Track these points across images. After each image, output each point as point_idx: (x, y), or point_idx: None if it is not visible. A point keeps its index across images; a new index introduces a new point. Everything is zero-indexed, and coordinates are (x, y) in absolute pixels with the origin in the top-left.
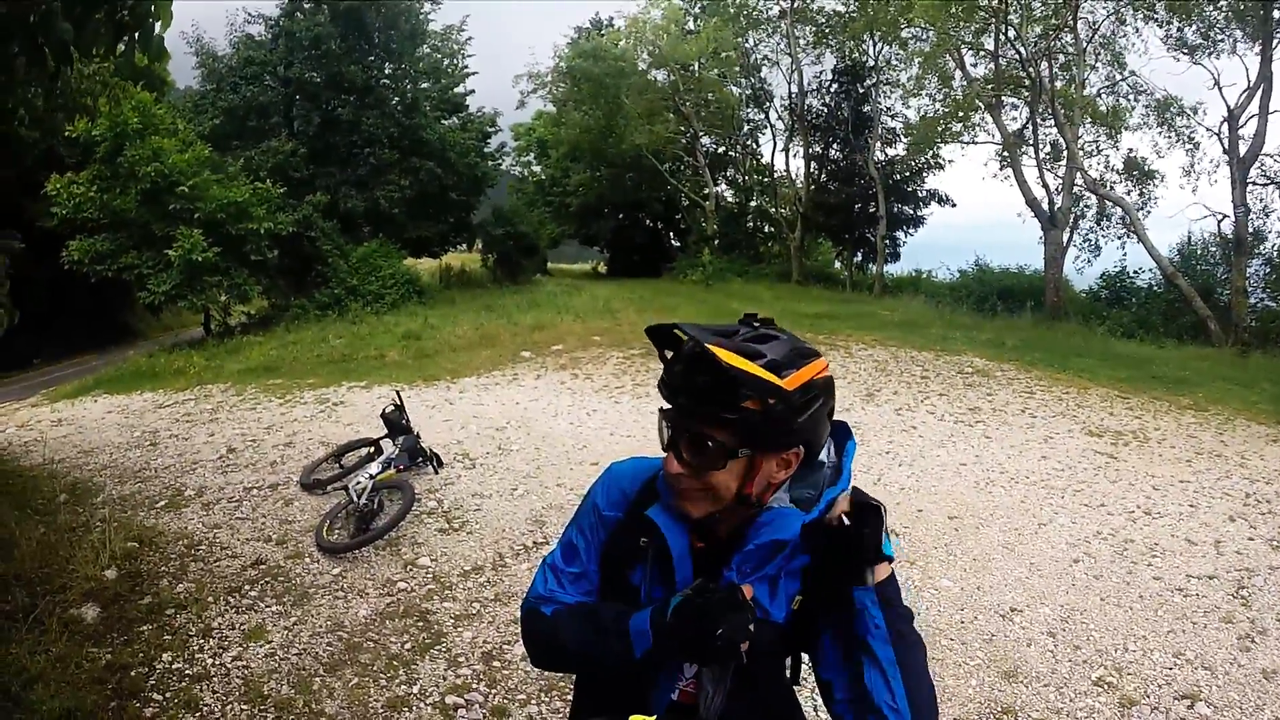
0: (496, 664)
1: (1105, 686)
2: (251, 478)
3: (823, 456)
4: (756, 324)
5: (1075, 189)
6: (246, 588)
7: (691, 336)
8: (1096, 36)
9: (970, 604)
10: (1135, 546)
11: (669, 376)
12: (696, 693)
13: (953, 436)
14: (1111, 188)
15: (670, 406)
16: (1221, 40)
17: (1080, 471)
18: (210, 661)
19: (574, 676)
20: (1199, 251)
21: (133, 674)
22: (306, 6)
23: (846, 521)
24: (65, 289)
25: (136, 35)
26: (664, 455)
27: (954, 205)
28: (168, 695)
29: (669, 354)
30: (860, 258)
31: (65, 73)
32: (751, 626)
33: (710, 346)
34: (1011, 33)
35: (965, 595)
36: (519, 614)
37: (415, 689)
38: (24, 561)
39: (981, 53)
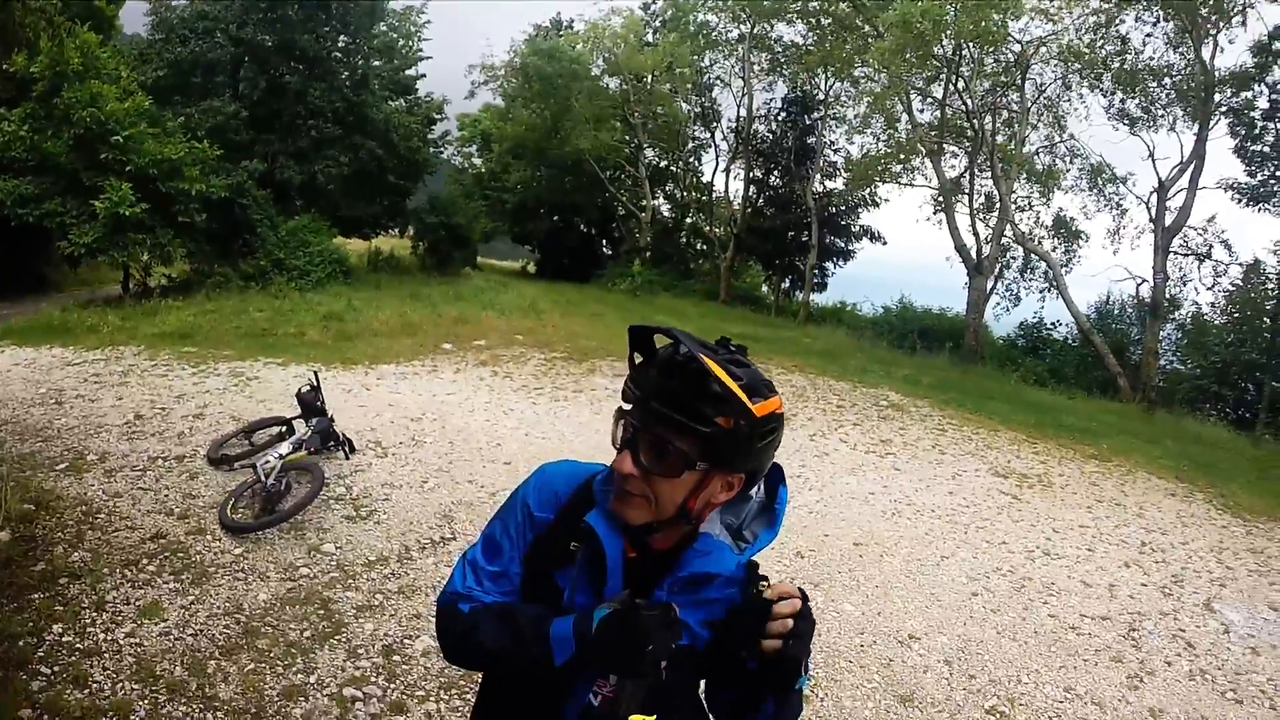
0: (397, 658)
1: (998, 716)
2: (157, 447)
3: (751, 490)
4: (733, 349)
5: (1004, 240)
6: (144, 561)
7: (685, 344)
8: (1041, 98)
9: (871, 629)
10: (1033, 584)
11: (641, 378)
12: (615, 699)
13: (863, 466)
14: (1039, 242)
15: (632, 407)
16: (1161, 116)
17: (984, 509)
18: (102, 636)
19: (477, 676)
20: (1115, 311)
21: (21, 644)
22: None
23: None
24: None
25: None
26: (618, 454)
27: (885, 243)
28: (56, 669)
29: (639, 358)
30: (788, 284)
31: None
32: (677, 646)
33: (703, 357)
34: (961, 84)
35: (866, 620)
36: (428, 609)
37: (312, 679)
38: None
39: (929, 100)
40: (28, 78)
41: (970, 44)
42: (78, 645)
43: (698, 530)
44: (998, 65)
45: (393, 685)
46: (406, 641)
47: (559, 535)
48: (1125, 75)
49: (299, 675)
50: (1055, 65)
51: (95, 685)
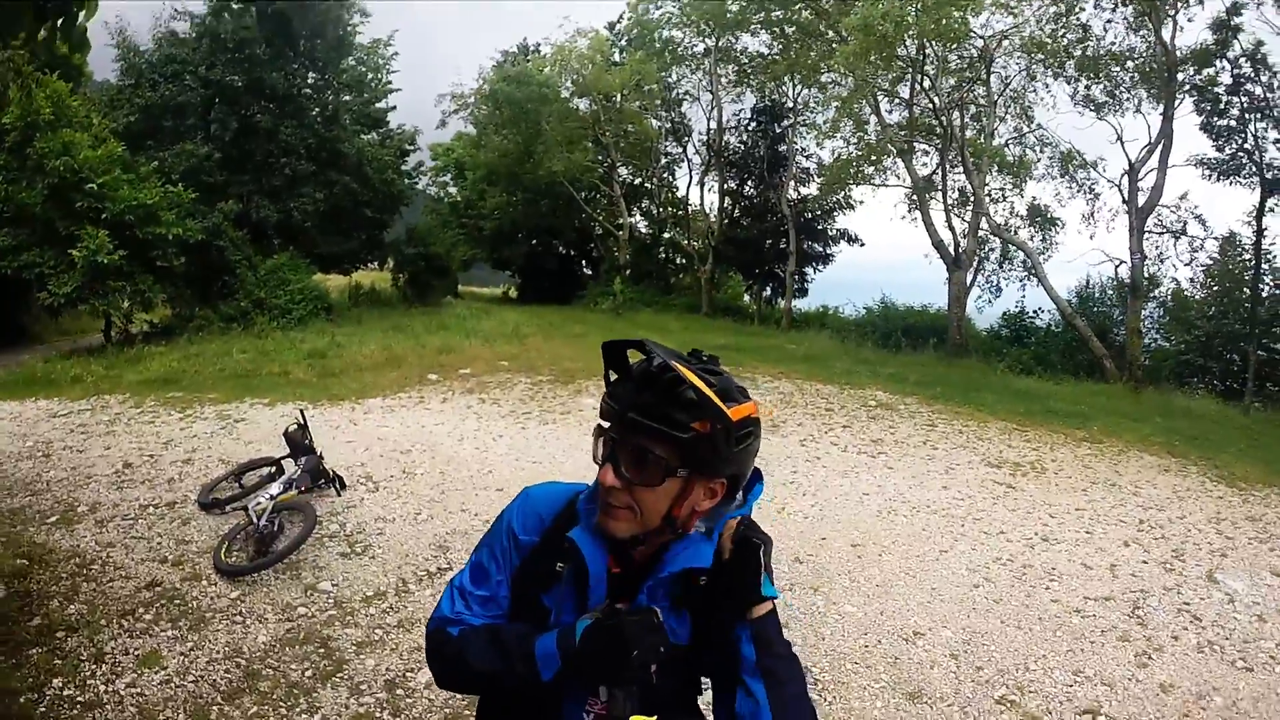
0: (400, 692)
1: (1008, 705)
2: (148, 495)
3: (735, 496)
4: (705, 358)
5: (980, 232)
6: (141, 610)
7: (658, 353)
8: (1007, 90)
9: (874, 628)
10: (1034, 571)
11: (618, 392)
12: (607, 714)
13: (856, 467)
14: (1015, 232)
15: (611, 422)
16: (1127, 99)
17: (980, 501)
18: (103, 688)
19: (477, 705)
20: (1096, 294)
21: (22, 700)
22: (235, 7)
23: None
24: None
25: (59, 23)
26: (600, 468)
27: (862, 244)
28: None
29: (614, 375)
30: (769, 292)
31: None
32: (663, 649)
33: (676, 365)
34: (927, 83)
35: (869, 620)
36: (424, 638)
37: (316, 717)
38: None
39: (897, 100)
40: None
41: (933, 43)
42: (79, 698)
43: (678, 537)
44: (962, 61)
45: None
46: (409, 675)
47: (544, 556)
48: (1088, 62)
49: (303, 715)
50: (1019, 57)
51: None
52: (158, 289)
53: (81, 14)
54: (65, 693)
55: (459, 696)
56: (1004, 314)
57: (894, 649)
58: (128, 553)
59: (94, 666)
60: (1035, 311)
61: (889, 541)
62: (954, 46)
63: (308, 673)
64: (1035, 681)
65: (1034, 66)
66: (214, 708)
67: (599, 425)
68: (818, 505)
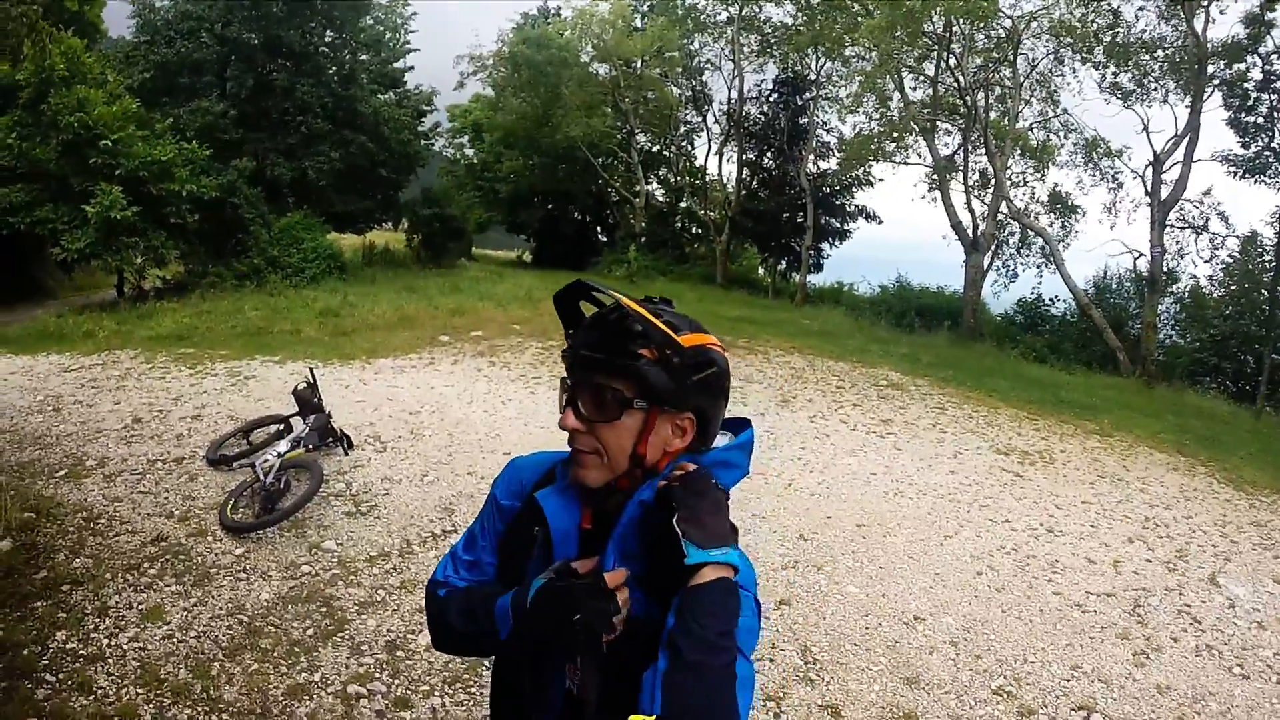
0: (400, 653)
1: (1004, 695)
2: (156, 450)
3: (718, 442)
4: (658, 300)
5: (1000, 216)
6: (146, 565)
7: (605, 291)
8: (1034, 73)
9: (875, 610)
10: (1037, 562)
11: (571, 338)
12: (583, 682)
13: (864, 446)
14: (1035, 218)
15: (568, 369)
16: (1155, 89)
17: (987, 487)
18: (106, 642)
19: (481, 669)
20: (1114, 285)
21: (25, 653)
22: None
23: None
24: None
25: None
26: (561, 414)
27: (881, 222)
28: (60, 676)
29: (572, 331)
30: (784, 266)
31: None
32: (620, 617)
33: (623, 299)
34: (952, 61)
35: (870, 601)
36: (420, 602)
37: (316, 676)
38: None
39: (921, 78)
40: (13, 85)
41: (960, 20)
42: (81, 652)
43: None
44: (989, 41)
45: (397, 681)
46: (409, 636)
47: (525, 521)
48: (1117, 49)
49: (303, 674)
50: (1047, 40)
51: (100, 691)
52: (171, 245)
53: None
54: (68, 646)
55: (458, 660)
56: (1019, 300)
57: (894, 632)
58: (134, 507)
59: (98, 620)
60: (1051, 299)
61: (894, 523)
62: (981, 25)
63: (309, 631)
64: (1032, 674)
65: (1062, 50)
66: (215, 663)
67: (562, 378)
68: (824, 483)
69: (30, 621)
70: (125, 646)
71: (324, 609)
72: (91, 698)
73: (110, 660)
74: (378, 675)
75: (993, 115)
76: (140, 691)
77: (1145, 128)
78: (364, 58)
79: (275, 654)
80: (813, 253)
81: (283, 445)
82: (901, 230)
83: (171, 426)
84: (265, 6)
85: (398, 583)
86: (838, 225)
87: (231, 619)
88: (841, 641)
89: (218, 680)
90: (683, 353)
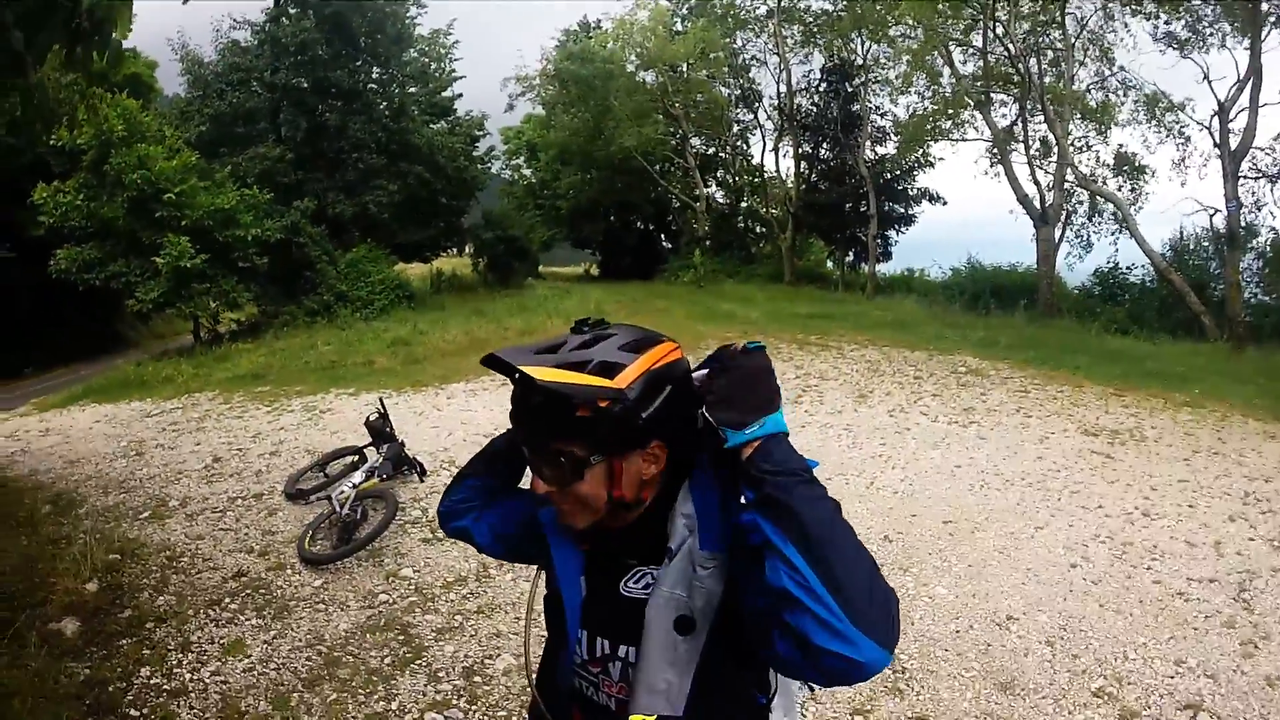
0: (478, 679)
1: (1105, 698)
2: (236, 487)
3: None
4: (586, 328)
5: (1066, 185)
6: (227, 600)
7: (506, 362)
8: (1084, 32)
9: (966, 612)
10: (1134, 549)
11: (512, 404)
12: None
13: (946, 438)
14: (1103, 183)
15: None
16: (1210, 34)
17: (1076, 472)
18: (188, 676)
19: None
20: (1191, 246)
21: (111, 689)
22: (292, 12)
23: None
24: (55, 298)
25: (95, 40)
26: (530, 480)
27: (945, 203)
28: (145, 711)
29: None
30: (852, 257)
31: (39, 80)
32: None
33: (523, 368)
34: (999, 29)
35: (960, 603)
36: (508, 626)
37: (394, 705)
38: (4, 575)
39: (970, 50)
40: (76, 149)
41: None
42: (165, 687)
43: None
44: (1035, 4)
45: (474, 707)
46: (487, 661)
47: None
48: None
49: (380, 703)
50: None
51: None
52: (241, 289)
53: (114, 30)
54: (152, 681)
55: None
56: (1095, 270)
57: (986, 635)
58: (216, 544)
59: (181, 655)
60: (1128, 267)
61: (982, 518)
62: None
63: (387, 659)
64: (1134, 672)
65: (1110, 4)
66: (295, 694)
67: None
68: (907, 480)
69: (116, 659)
70: (207, 680)
71: (401, 637)
72: None
73: (193, 694)
74: (455, 701)
75: (1047, 80)
76: None
77: (1206, 76)
78: (412, 90)
79: (353, 683)
80: (879, 241)
81: (357, 476)
82: (967, 209)
83: (250, 464)
84: (310, 51)
85: (475, 607)
86: (902, 210)
87: (310, 650)
88: (931, 648)
89: (297, 711)
90: (620, 396)
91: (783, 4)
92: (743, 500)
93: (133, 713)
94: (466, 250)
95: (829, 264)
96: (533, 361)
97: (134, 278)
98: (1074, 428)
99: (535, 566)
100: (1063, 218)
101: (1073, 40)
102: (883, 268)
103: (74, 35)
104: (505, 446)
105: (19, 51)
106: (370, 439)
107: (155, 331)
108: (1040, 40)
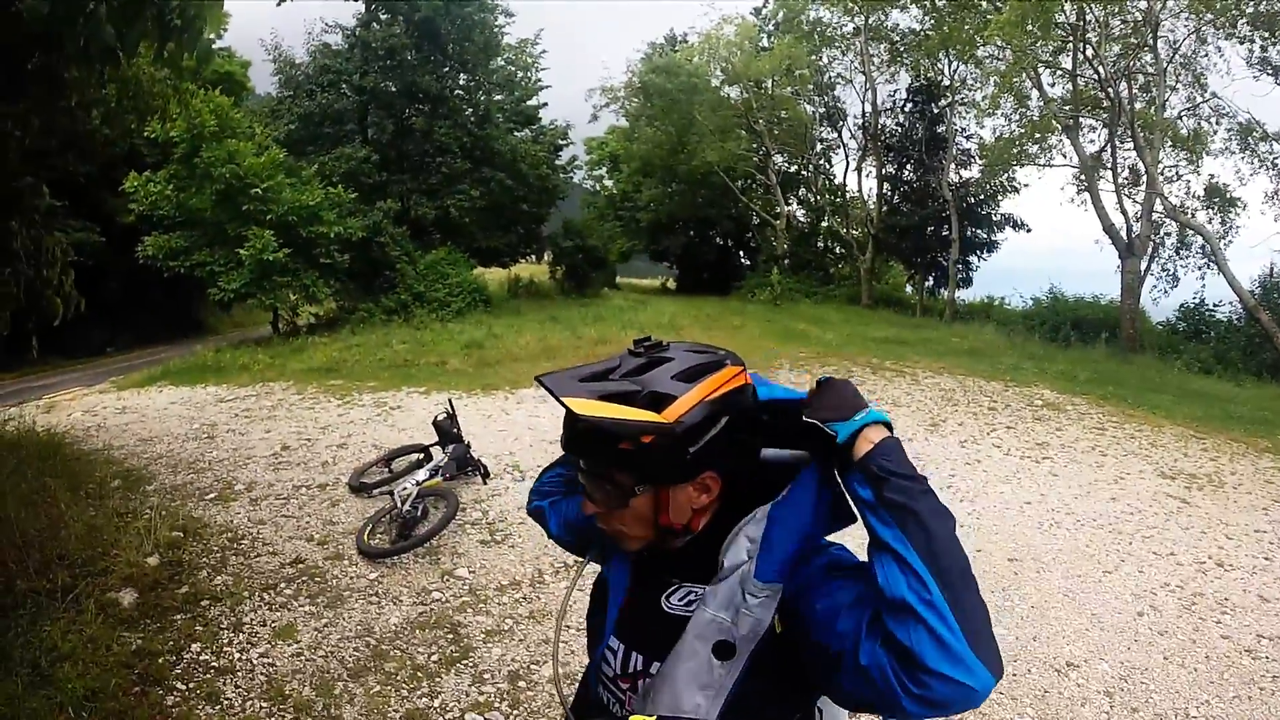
0: (522, 684)
1: None
2: (302, 476)
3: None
4: (641, 351)
5: (1154, 216)
6: (282, 585)
7: (553, 392)
8: (1176, 56)
9: (1025, 655)
10: (1204, 601)
11: (564, 427)
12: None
13: (1018, 473)
14: (1192, 215)
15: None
16: None
17: (1150, 516)
18: (237, 656)
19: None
20: None
21: (160, 661)
22: (383, 17)
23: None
24: (141, 282)
25: (184, 37)
26: (581, 500)
27: (1029, 230)
28: (190, 685)
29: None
30: (931, 282)
31: (133, 73)
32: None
33: (566, 399)
34: (1090, 52)
35: (1020, 645)
36: (547, 633)
37: (436, 702)
38: (70, 542)
39: (1059, 72)
40: (168, 142)
41: (1093, 6)
42: (213, 664)
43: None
44: (1126, 26)
45: (515, 712)
46: (533, 667)
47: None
48: (1262, 19)
49: (423, 699)
50: (1186, 18)
51: (226, 702)
52: (322, 284)
53: (205, 28)
54: (202, 658)
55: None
56: (1181, 306)
57: (1044, 680)
58: (277, 530)
59: (232, 635)
60: (1215, 304)
61: (1049, 558)
62: (1115, 9)
63: (434, 657)
64: None
65: (1203, 28)
66: (339, 683)
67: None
68: (975, 513)
69: (169, 633)
70: (255, 661)
71: (450, 635)
72: (218, 707)
73: (239, 673)
74: (497, 705)
75: (1138, 105)
76: (264, 705)
77: None
78: (498, 98)
79: (398, 677)
80: (960, 266)
81: (421, 474)
82: (1052, 238)
83: (318, 454)
84: (399, 56)
85: (526, 612)
86: (984, 236)
87: (359, 641)
88: None
89: (339, 699)
90: (668, 431)
91: (870, 22)
92: (853, 499)
93: (179, 685)
94: (545, 258)
95: (908, 288)
96: (578, 390)
97: (218, 267)
98: (1150, 469)
99: (580, 573)
100: (1149, 250)
101: (1164, 65)
102: (962, 294)
103: (164, 31)
104: None
105: (112, 45)
106: (437, 438)
107: (235, 320)
108: (1131, 64)
